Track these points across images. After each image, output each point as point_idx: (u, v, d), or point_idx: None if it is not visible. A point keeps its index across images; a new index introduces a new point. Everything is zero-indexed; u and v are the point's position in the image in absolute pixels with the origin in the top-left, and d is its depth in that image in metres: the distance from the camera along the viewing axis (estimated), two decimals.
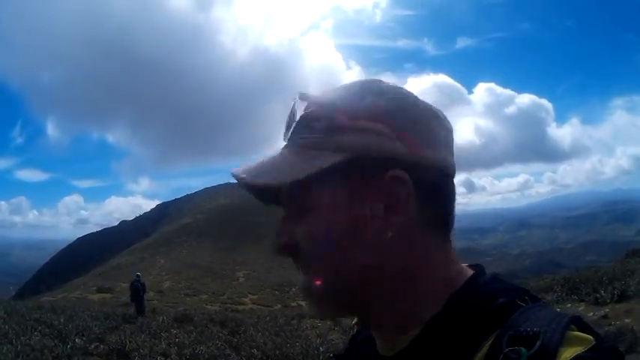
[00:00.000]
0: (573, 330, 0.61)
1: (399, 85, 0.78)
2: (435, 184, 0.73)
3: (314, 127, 0.75)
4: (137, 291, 18.42)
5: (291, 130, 0.77)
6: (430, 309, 0.71)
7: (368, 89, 0.75)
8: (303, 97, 0.78)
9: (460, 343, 0.66)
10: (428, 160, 0.72)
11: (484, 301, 0.69)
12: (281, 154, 0.78)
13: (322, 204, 0.73)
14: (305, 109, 0.76)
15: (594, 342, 0.59)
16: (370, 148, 0.71)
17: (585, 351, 0.57)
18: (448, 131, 0.77)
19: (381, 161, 0.71)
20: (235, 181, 0.76)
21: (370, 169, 0.71)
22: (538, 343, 0.58)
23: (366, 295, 0.73)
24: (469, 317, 0.68)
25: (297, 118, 0.77)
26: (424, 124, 0.74)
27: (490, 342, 0.63)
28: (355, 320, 0.89)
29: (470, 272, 0.77)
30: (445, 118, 0.78)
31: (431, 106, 0.77)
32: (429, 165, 0.72)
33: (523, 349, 0.58)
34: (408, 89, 0.78)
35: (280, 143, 0.83)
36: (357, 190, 0.72)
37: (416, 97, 0.77)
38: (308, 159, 0.73)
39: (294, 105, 0.78)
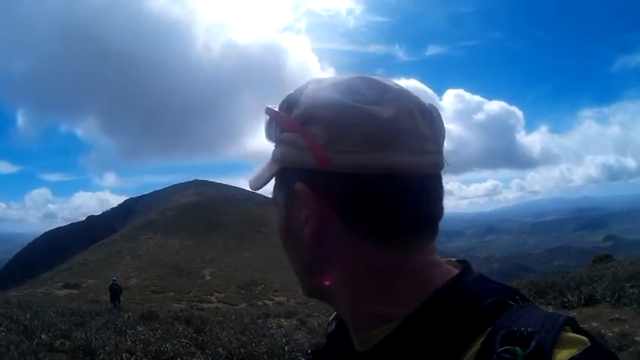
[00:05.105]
0: (567, 331, 0.59)
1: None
2: (365, 192, 0.67)
3: (269, 134, 0.80)
4: (115, 292, 22.44)
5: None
6: (398, 310, 0.69)
7: (306, 97, 0.72)
8: (271, 109, 0.78)
9: (443, 341, 0.64)
10: (346, 167, 0.66)
11: (470, 300, 0.67)
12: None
13: (279, 205, 0.78)
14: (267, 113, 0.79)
15: (589, 344, 0.57)
16: (285, 160, 0.74)
17: (580, 353, 0.56)
18: (403, 131, 0.67)
19: (294, 174, 0.72)
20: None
21: (287, 181, 0.74)
22: (533, 343, 0.56)
23: (323, 289, 0.75)
24: (451, 316, 0.66)
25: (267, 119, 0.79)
26: (356, 128, 0.66)
27: (481, 341, 0.61)
28: (332, 317, 0.94)
29: (454, 273, 0.73)
30: (411, 114, 0.69)
31: (388, 104, 0.68)
32: (354, 172, 0.66)
33: (518, 349, 0.56)
34: (370, 87, 0.70)
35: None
36: (288, 199, 0.75)
37: (363, 97, 0.68)
38: (268, 166, 0.79)
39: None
